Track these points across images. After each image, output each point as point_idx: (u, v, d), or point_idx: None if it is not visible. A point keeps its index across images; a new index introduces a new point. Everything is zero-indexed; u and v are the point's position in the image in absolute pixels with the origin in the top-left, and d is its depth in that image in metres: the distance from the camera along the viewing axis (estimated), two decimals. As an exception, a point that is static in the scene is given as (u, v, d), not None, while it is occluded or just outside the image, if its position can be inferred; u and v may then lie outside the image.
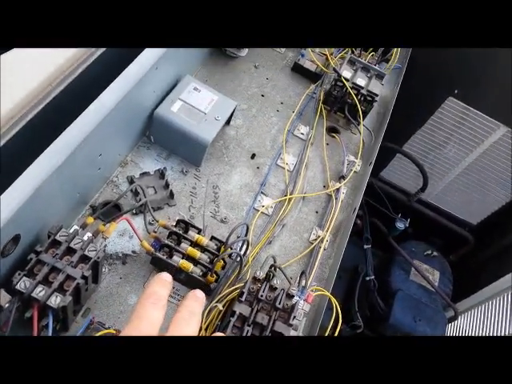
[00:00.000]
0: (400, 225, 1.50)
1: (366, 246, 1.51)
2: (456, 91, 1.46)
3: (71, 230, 0.66)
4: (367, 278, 1.47)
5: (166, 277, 0.44)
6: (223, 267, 0.77)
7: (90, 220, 0.71)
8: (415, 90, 1.31)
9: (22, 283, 0.60)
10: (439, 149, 1.65)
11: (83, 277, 0.63)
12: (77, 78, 0.71)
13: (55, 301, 0.60)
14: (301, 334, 0.75)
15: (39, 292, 0.60)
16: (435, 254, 1.61)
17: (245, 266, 0.78)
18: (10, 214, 0.56)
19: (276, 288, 0.69)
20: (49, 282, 0.62)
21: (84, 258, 0.65)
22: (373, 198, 1.54)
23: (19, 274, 0.60)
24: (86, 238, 0.66)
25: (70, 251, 0.65)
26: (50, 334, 0.60)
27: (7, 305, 0.59)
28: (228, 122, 0.98)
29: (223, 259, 0.75)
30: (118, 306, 0.72)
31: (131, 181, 0.84)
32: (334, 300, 0.72)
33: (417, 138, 1.65)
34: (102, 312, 0.70)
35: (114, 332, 0.66)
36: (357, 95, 1.03)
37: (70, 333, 0.68)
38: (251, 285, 0.69)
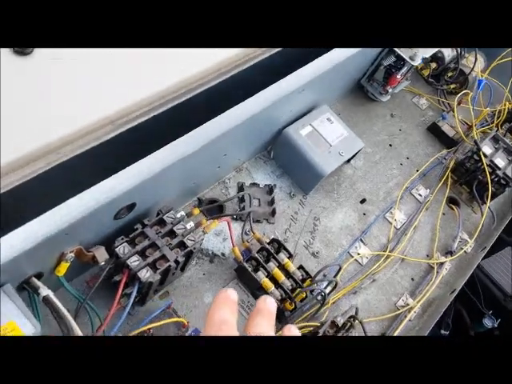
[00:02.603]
0: (488, 322, 1.36)
1: (443, 332, 1.38)
2: None
3: (178, 215, 0.69)
4: (435, 366, 1.35)
5: (232, 295, 0.38)
6: (302, 299, 0.75)
7: (196, 211, 0.74)
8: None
9: (122, 248, 0.63)
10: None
11: (176, 261, 0.65)
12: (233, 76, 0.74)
13: (145, 274, 0.62)
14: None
15: (134, 261, 0.63)
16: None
17: (325, 304, 0.76)
18: (135, 183, 0.59)
19: (351, 341, 0.66)
20: (145, 255, 0.64)
21: (181, 245, 0.67)
22: (467, 284, 1.42)
23: (122, 239, 0.64)
24: (188, 226, 0.69)
25: (172, 234, 0.67)
26: (130, 303, 0.63)
27: (103, 263, 0.62)
28: (349, 161, 0.97)
29: (306, 292, 0.73)
30: (193, 299, 0.73)
31: (241, 187, 0.86)
32: None
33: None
34: (177, 300, 0.72)
35: (186, 323, 0.67)
36: (491, 174, 0.96)
37: (144, 308, 0.70)
38: (328, 328, 0.66)
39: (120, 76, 0.66)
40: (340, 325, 0.66)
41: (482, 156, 0.96)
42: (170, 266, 0.64)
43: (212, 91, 0.71)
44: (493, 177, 0.96)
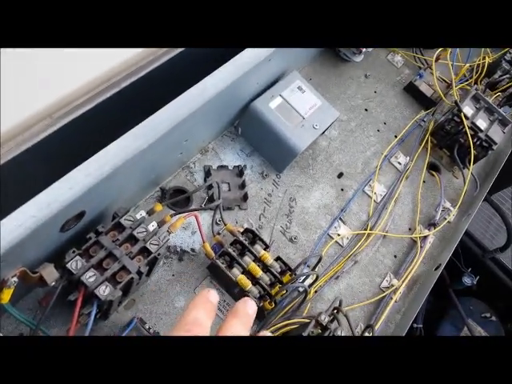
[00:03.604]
0: (467, 280, 1.36)
1: (415, 325, 1.38)
2: None
3: (138, 216, 0.60)
4: (414, 325, 1.35)
5: (212, 297, 0.36)
6: (282, 295, 0.70)
7: (159, 207, 0.65)
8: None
9: (74, 263, 0.55)
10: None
11: (138, 272, 0.57)
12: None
13: (104, 291, 0.55)
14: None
15: (89, 277, 0.55)
16: (493, 318, 1.46)
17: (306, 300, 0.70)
18: (81, 190, 0.50)
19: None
20: (102, 267, 0.56)
21: (144, 250, 0.59)
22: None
23: (73, 252, 0.55)
24: (151, 227, 0.61)
25: (132, 239, 0.59)
26: (90, 323, 0.55)
27: (53, 283, 0.54)
28: (323, 132, 0.89)
29: (286, 289, 0.67)
30: (163, 305, 0.66)
31: (208, 171, 0.77)
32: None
33: (508, 191, 1.49)
34: (145, 308, 0.65)
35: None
36: (473, 137, 0.90)
37: (108, 322, 0.63)
38: (312, 329, 0.61)
39: (56, 61, 0.55)
40: (325, 324, 0.61)
41: (464, 118, 0.90)
42: (132, 278, 0.56)
43: (164, 70, 0.60)
44: (475, 140, 0.90)
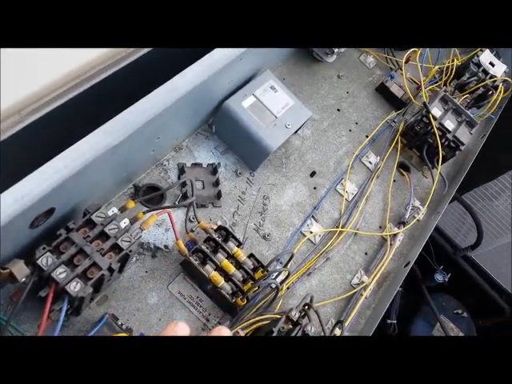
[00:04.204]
0: (439, 277, 1.40)
1: (389, 321, 1.41)
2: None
3: (110, 212, 0.61)
4: (388, 321, 1.38)
5: (180, 331, 0.38)
6: (254, 291, 0.71)
7: (131, 204, 0.65)
8: (495, 144, 1.19)
9: (45, 259, 0.55)
10: (497, 211, 1.53)
11: (110, 269, 0.58)
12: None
13: (75, 287, 0.55)
14: None
15: (60, 273, 0.55)
16: (465, 314, 1.50)
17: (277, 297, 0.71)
18: (50, 186, 0.50)
19: (307, 334, 0.62)
20: (73, 264, 0.56)
21: (115, 247, 0.59)
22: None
23: (44, 249, 0.55)
24: (123, 224, 0.61)
25: (103, 235, 0.59)
26: (61, 319, 0.55)
27: (23, 279, 0.54)
28: (296, 131, 0.90)
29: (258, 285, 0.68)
30: (136, 302, 0.66)
31: (182, 169, 0.78)
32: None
33: (480, 191, 1.53)
34: (118, 304, 0.65)
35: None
36: (441, 138, 0.93)
37: (80, 318, 0.63)
38: (283, 324, 0.62)
39: (27, 57, 0.55)
40: (295, 320, 0.62)
41: (432, 119, 0.92)
42: (103, 274, 0.57)
43: (134, 69, 0.61)
44: (443, 140, 0.93)
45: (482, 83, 1.05)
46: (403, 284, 1.42)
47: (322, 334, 0.63)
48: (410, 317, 1.46)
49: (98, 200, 0.66)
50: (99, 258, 0.57)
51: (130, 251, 0.59)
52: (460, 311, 1.50)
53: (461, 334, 1.47)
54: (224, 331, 0.41)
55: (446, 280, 1.42)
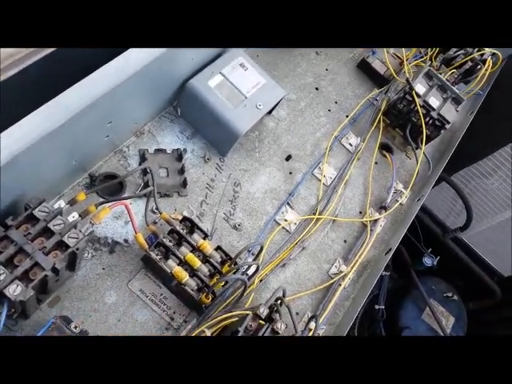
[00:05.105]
0: (428, 261, 1.36)
1: (383, 273, 1.36)
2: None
3: (55, 206, 0.55)
4: (376, 306, 1.34)
5: None
6: (222, 285, 0.66)
7: (82, 197, 0.60)
8: (485, 122, 1.13)
9: (-21, 260, 0.49)
10: (491, 189, 1.48)
11: (54, 269, 0.52)
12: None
13: (14, 291, 0.49)
14: None
15: (-3, 276, 0.49)
16: (455, 297, 1.46)
17: (248, 287, 0.66)
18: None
19: (277, 333, 0.57)
20: (13, 264, 0.51)
21: (61, 244, 0.54)
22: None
23: (-21, 248, 0.50)
24: (70, 218, 0.55)
25: (47, 232, 0.53)
26: (0, 324, 0.50)
27: (-46, 284, 0.48)
28: (270, 112, 0.84)
29: (225, 281, 0.63)
30: (92, 301, 0.61)
31: (143, 156, 0.72)
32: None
33: (470, 172, 1.48)
34: (72, 305, 0.60)
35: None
36: (425, 116, 0.87)
37: (30, 321, 0.57)
38: (250, 321, 0.57)
39: None
40: (264, 316, 0.57)
41: (415, 96, 0.86)
42: (46, 275, 0.51)
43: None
44: (427, 119, 0.87)
45: (470, 56, 0.98)
46: (391, 268, 1.40)
47: (294, 331, 0.59)
48: (398, 301, 1.42)
49: (46, 192, 0.60)
50: (42, 257, 0.51)
51: (77, 249, 0.54)
52: (450, 294, 1.46)
53: (451, 318, 1.44)
54: None
55: (435, 264, 1.38)
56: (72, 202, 0.58)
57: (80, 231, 0.54)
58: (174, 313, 0.64)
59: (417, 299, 1.42)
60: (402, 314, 1.40)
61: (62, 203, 0.56)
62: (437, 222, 1.50)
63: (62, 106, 0.50)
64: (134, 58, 0.56)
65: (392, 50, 1.01)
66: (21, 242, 0.51)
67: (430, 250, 1.39)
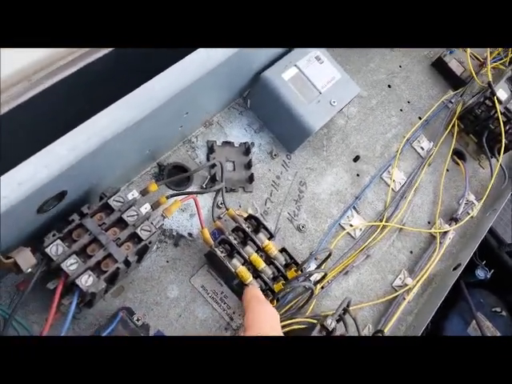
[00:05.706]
0: (480, 273, 1.30)
1: None
2: None
3: (129, 196, 0.54)
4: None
5: None
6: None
7: (154, 187, 0.58)
8: None
9: (54, 247, 0.49)
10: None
11: (126, 262, 0.51)
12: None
13: (86, 281, 0.48)
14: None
15: (71, 265, 0.48)
16: (504, 313, 1.40)
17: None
18: (61, 169, 0.43)
19: (345, 346, 0.55)
20: (86, 254, 0.50)
21: (134, 237, 0.52)
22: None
23: (53, 235, 0.49)
24: (143, 209, 0.54)
25: (121, 223, 0.52)
26: (70, 315, 0.49)
27: (29, 270, 0.48)
28: (341, 109, 0.80)
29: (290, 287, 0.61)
30: (154, 294, 0.60)
31: (211, 148, 0.70)
32: None
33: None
34: (135, 296, 0.59)
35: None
36: (505, 124, 0.82)
37: (93, 310, 0.57)
38: (318, 333, 0.55)
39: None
40: (331, 329, 0.55)
41: (497, 102, 0.81)
42: (118, 268, 0.50)
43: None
44: (507, 127, 0.82)
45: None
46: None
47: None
48: (444, 312, 1.37)
49: (118, 180, 0.60)
50: (115, 248, 0.50)
51: (150, 242, 0.52)
52: (499, 309, 1.39)
53: (498, 334, 1.38)
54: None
55: (488, 276, 1.32)
56: (144, 192, 0.57)
57: (152, 224, 0.53)
58: (234, 313, 0.63)
59: (463, 312, 1.36)
60: (447, 326, 1.34)
61: (135, 193, 0.55)
62: (493, 235, 1.43)
63: (150, 94, 0.48)
64: (217, 51, 0.53)
65: (470, 50, 0.95)
66: (95, 232, 0.50)
67: (484, 262, 1.33)
